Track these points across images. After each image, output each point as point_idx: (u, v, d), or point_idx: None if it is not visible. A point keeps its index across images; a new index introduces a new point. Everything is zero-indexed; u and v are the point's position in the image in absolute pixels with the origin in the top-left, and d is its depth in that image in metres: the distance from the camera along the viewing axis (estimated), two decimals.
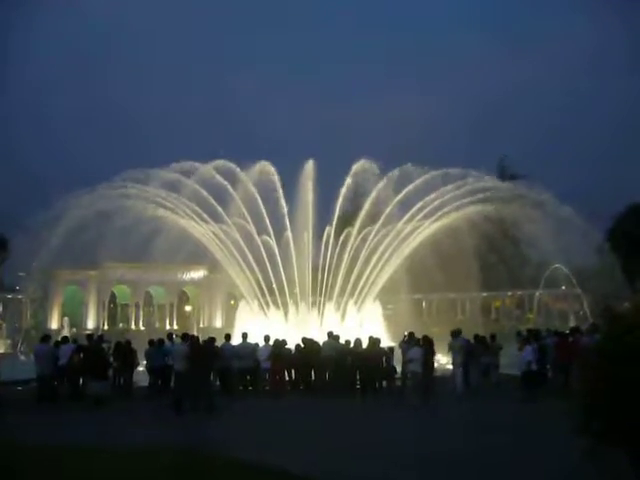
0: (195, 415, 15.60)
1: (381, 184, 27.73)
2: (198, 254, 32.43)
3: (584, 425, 4.46)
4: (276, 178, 26.42)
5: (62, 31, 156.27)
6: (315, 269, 31.06)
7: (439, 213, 26.35)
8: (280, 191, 26.64)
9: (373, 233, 28.69)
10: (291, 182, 28.63)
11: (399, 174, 27.31)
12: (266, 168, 26.40)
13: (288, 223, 27.48)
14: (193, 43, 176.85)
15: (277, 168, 27.47)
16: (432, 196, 26.43)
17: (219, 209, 25.90)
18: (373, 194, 28.19)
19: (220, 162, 24.87)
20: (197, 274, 61.10)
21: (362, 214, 29.21)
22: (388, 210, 27.53)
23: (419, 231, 27.35)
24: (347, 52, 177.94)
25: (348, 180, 29.17)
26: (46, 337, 19.71)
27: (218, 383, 19.28)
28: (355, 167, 28.78)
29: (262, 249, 27.38)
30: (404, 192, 26.62)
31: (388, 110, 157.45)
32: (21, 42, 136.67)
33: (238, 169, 25.48)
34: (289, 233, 27.85)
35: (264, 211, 26.55)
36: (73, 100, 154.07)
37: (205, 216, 26.11)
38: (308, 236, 28.46)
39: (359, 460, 10.31)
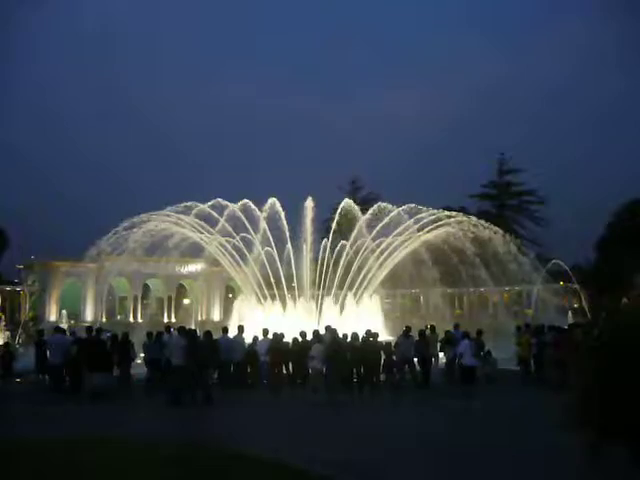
0: (193, 408, 15.63)
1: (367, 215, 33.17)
2: (197, 249, 34.03)
3: (581, 420, 4.47)
4: (282, 214, 31.49)
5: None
6: (314, 263, 31.64)
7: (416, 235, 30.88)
8: (284, 222, 31.36)
9: (365, 245, 31.68)
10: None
11: (378, 210, 32.67)
12: (275, 203, 31.14)
13: (289, 240, 31.74)
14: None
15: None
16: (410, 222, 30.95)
17: (230, 229, 30.51)
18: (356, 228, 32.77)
19: (244, 201, 30.32)
20: (195, 267, 61.10)
21: (354, 233, 32.61)
22: (367, 242, 31.68)
23: (409, 241, 30.93)
24: (344, 52, 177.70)
25: (337, 213, 35.00)
26: (59, 328, 21.04)
27: (216, 376, 19.30)
28: (342, 205, 35.22)
29: (264, 258, 31.15)
30: (377, 228, 31.79)
31: (386, 106, 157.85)
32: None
33: (256, 209, 30.72)
34: (289, 245, 31.61)
35: (269, 234, 31.02)
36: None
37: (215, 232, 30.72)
38: (307, 247, 31.86)
39: (358, 451, 10.34)
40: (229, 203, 30.33)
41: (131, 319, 59.21)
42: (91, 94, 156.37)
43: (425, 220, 30.63)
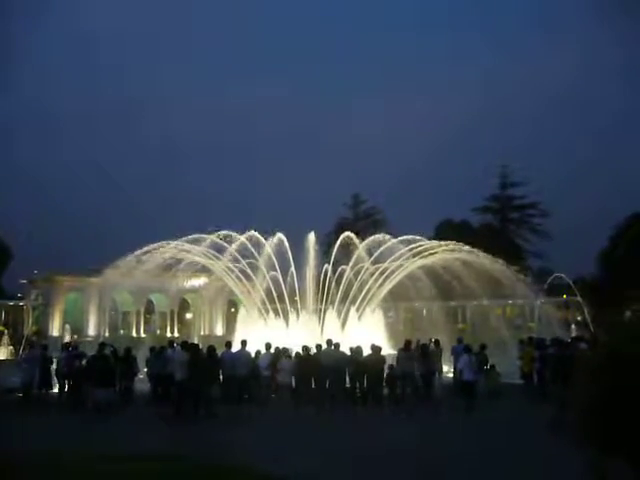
0: (195, 422, 15.63)
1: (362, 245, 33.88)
2: (204, 268, 34.94)
3: (582, 435, 4.49)
4: (287, 246, 32.72)
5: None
6: (316, 279, 32.09)
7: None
8: (290, 254, 32.59)
9: (364, 269, 32.60)
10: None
11: (373, 241, 34.07)
12: (280, 238, 32.52)
13: (293, 265, 32.80)
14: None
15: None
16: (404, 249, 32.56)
17: (239, 257, 31.91)
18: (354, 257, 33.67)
19: (251, 232, 31.96)
20: (198, 282, 61.02)
21: (353, 258, 33.37)
22: (367, 265, 32.52)
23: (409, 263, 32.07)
24: (343, 65, 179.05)
25: (336, 244, 35.46)
26: (33, 344, 20.93)
27: (218, 391, 19.27)
28: (341, 237, 35.51)
29: (269, 281, 32.25)
30: (375, 254, 33.11)
31: (386, 116, 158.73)
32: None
33: (263, 239, 32.24)
34: (293, 269, 32.70)
35: (275, 261, 32.24)
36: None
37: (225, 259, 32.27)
38: (310, 272, 32.57)
39: (359, 467, 10.33)
40: (237, 234, 31.67)
41: (134, 334, 59.11)
42: (92, 105, 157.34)
43: (420, 248, 32.11)
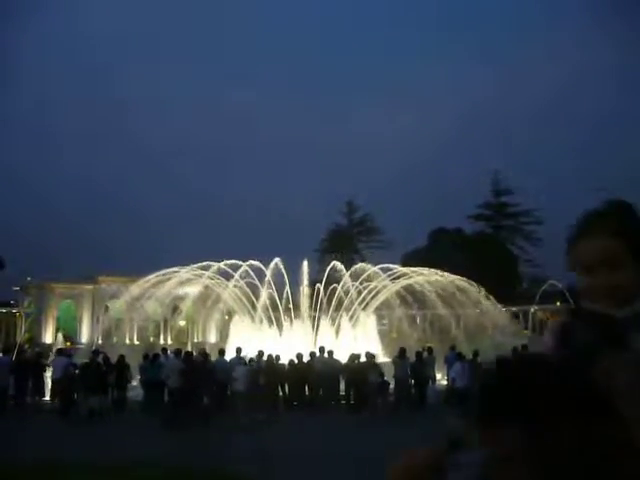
0: (188, 430, 15.59)
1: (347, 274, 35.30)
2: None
3: None
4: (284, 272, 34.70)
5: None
6: (310, 292, 32.91)
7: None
8: (285, 277, 34.82)
9: (354, 288, 34.00)
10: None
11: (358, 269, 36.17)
12: (278, 264, 34.17)
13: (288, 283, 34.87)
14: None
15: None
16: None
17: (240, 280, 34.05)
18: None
19: (252, 262, 34.14)
20: (191, 289, 60.88)
21: (347, 274, 34.82)
22: (355, 285, 34.19)
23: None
24: (340, 75, 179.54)
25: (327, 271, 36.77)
26: (5, 350, 21.07)
27: (211, 398, 19.22)
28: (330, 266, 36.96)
29: (267, 301, 33.58)
30: (360, 279, 34.84)
31: (383, 124, 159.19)
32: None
33: (263, 267, 34.12)
34: (288, 288, 34.60)
35: (271, 281, 34.20)
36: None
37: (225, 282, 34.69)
38: (303, 290, 34.43)
39: (353, 473, 10.33)
40: (241, 262, 33.77)
41: (127, 341, 58.84)
42: (90, 113, 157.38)
43: (399, 273, 34.49)
